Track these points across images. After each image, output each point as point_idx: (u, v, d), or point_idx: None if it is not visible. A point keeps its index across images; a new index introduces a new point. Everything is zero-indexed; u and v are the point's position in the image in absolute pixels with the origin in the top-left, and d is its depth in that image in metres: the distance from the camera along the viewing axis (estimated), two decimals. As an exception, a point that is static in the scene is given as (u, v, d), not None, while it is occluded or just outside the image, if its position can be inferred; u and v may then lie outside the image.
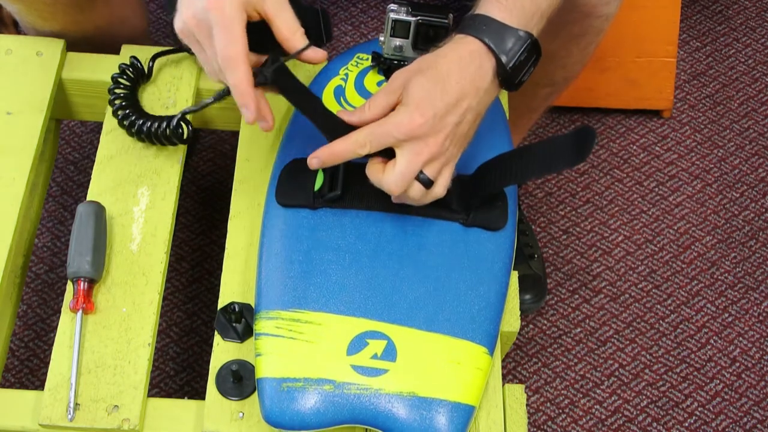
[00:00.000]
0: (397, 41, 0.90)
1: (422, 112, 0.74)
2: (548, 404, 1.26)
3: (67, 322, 0.85)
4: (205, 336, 1.28)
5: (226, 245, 0.89)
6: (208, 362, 0.84)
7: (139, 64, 0.97)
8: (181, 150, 0.95)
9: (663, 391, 1.28)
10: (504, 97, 0.99)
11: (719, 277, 1.38)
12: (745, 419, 1.27)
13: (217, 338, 0.84)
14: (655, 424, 1.26)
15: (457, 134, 0.77)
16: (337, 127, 0.78)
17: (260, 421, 0.79)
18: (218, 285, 0.88)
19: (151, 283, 0.87)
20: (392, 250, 0.84)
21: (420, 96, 0.75)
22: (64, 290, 0.87)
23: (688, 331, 1.33)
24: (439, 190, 0.79)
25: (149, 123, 0.93)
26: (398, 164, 0.76)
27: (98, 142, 0.96)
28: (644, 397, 1.28)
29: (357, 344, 0.80)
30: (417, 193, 0.78)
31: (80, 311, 0.84)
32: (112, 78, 0.96)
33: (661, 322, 1.34)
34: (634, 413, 1.26)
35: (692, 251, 1.40)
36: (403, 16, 0.88)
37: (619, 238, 1.40)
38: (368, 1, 1.61)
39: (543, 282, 1.32)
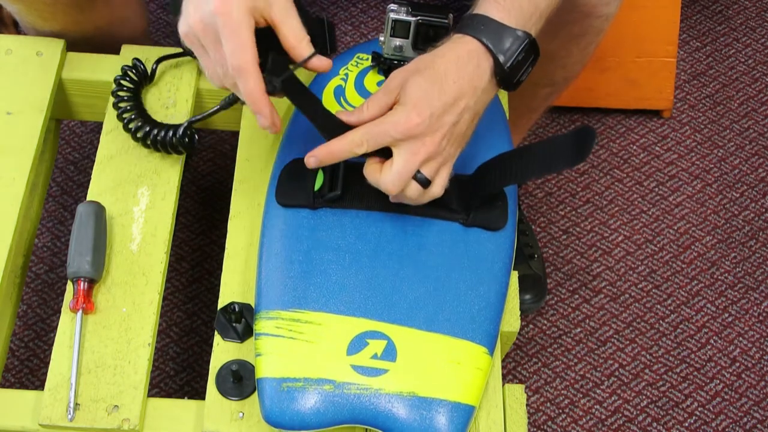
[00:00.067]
0: (397, 41, 0.90)
1: (419, 112, 0.74)
2: (548, 404, 1.26)
3: (67, 322, 0.85)
4: (205, 336, 1.28)
5: (226, 245, 0.89)
6: (208, 362, 0.84)
7: (142, 67, 0.97)
8: (181, 150, 0.95)
9: (663, 391, 1.28)
10: (504, 97, 0.99)
11: (719, 277, 1.38)
12: (745, 419, 1.27)
13: (217, 338, 0.84)
14: (655, 424, 1.26)
15: (454, 134, 0.77)
16: (336, 127, 0.78)
17: (260, 421, 0.79)
18: (218, 285, 0.88)
19: (151, 283, 0.87)
20: (392, 250, 0.84)
21: (417, 96, 0.75)
22: (64, 290, 0.87)
23: (688, 331, 1.33)
24: (437, 189, 0.79)
25: (155, 131, 0.92)
26: (395, 164, 0.76)
27: (98, 142, 0.96)
28: (644, 397, 1.28)
29: (357, 344, 0.80)
30: (414, 193, 0.78)
31: (80, 311, 0.84)
32: (115, 80, 0.96)
33: (661, 322, 1.34)
34: (634, 413, 1.26)
35: (692, 251, 1.40)
36: (403, 16, 0.88)
37: (619, 238, 1.40)
38: (368, 1, 1.61)
39: (543, 282, 1.32)
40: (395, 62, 0.92)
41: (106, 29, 1.06)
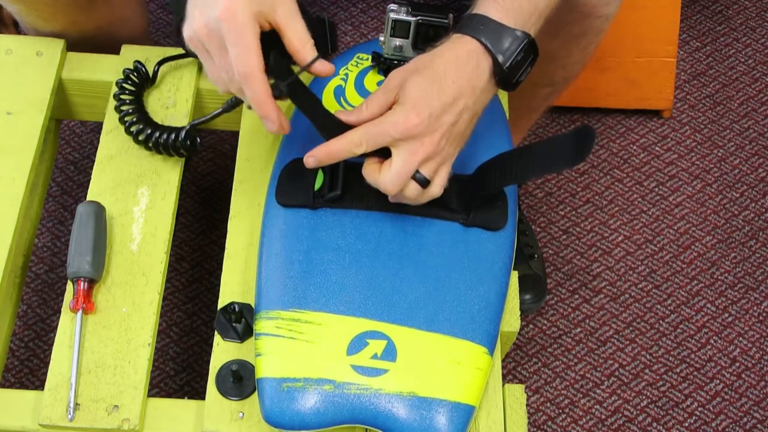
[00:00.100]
0: (397, 41, 0.90)
1: (418, 112, 0.74)
2: (548, 404, 1.26)
3: (67, 322, 0.85)
4: (205, 336, 1.28)
5: (226, 245, 0.89)
6: (208, 362, 0.84)
7: (143, 69, 0.97)
8: (181, 150, 0.95)
9: (663, 391, 1.28)
10: (504, 97, 0.99)
11: (719, 277, 1.38)
12: (745, 419, 1.27)
13: (217, 338, 0.84)
14: (655, 424, 1.26)
15: (453, 134, 0.77)
16: (335, 127, 0.78)
17: (260, 421, 0.79)
18: (218, 285, 0.88)
19: (151, 283, 0.87)
20: (392, 250, 0.84)
21: (416, 95, 0.75)
22: (64, 290, 0.87)
23: (688, 331, 1.33)
24: (436, 189, 0.79)
25: (156, 133, 0.92)
26: (394, 164, 0.76)
27: (98, 142, 0.96)
28: (644, 397, 1.28)
29: (357, 344, 0.80)
30: (413, 193, 0.78)
31: (80, 311, 0.84)
32: (117, 83, 0.96)
33: (661, 322, 1.34)
34: (634, 413, 1.26)
35: (692, 251, 1.40)
36: (403, 16, 0.88)
37: (619, 238, 1.40)
38: (368, 1, 1.61)
39: (543, 282, 1.32)
40: (395, 62, 0.92)
41: (106, 29, 1.06)
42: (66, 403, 0.80)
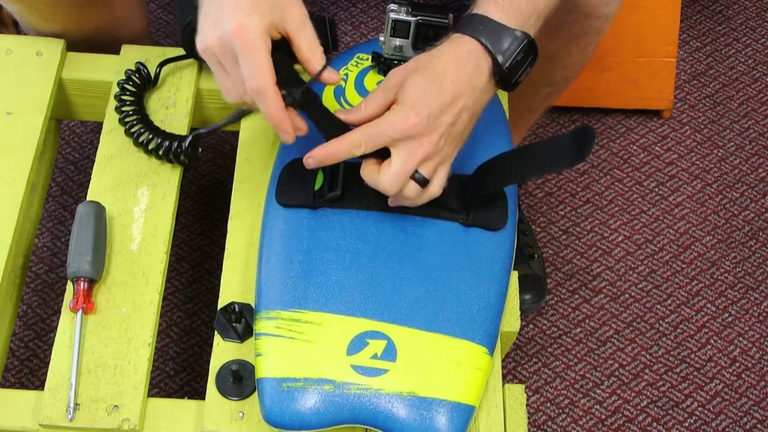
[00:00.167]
0: (397, 41, 0.90)
1: (417, 112, 0.74)
2: (548, 404, 1.26)
3: (67, 322, 0.85)
4: (205, 336, 1.28)
5: (226, 245, 0.89)
6: (208, 362, 0.84)
7: (145, 70, 0.97)
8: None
9: (663, 391, 1.28)
10: (504, 97, 0.99)
11: (719, 277, 1.38)
12: (745, 419, 1.27)
13: (217, 338, 0.84)
14: (655, 424, 1.26)
15: (452, 133, 0.77)
16: (335, 127, 0.78)
17: (260, 421, 0.79)
18: (218, 285, 0.88)
19: (151, 283, 0.87)
20: (392, 250, 0.84)
21: (416, 95, 0.75)
22: (64, 290, 0.87)
23: (688, 331, 1.33)
24: (435, 189, 0.79)
25: (158, 140, 0.92)
26: (393, 164, 0.76)
27: (98, 142, 0.96)
28: (644, 397, 1.28)
29: (357, 344, 0.80)
30: (412, 193, 0.78)
31: (80, 311, 0.84)
32: (119, 84, 0.96)
33: (661, 322, 1.34)
34: (634, 413, 1.26)
35: (692, 251, 1.40)
36: (403, 16, 0.88)
37: (619, 238, 1.40)
38: (368, 1, 1.61)
39: (543, 282, 1.32)
40: (395, 62, 0.92)
41: (106, 29, 1.06)
42: (66, 403, 0.80)
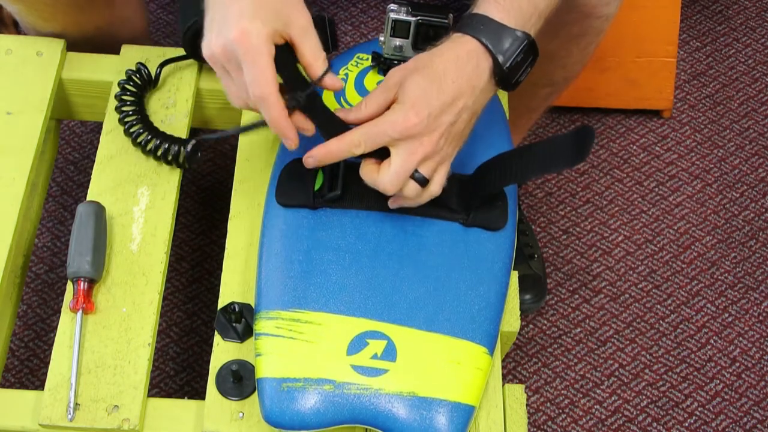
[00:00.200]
0: (397, 41, 0.90)
1: (417, 111, 0.74)
2: (548, 404, 1.26)
3: (67, 322, 0.85)
4: (205, 336, 1.28)
5: (226, 245, 0.89)
6: (208, 362, 0.84)
7: (146, 71, 0.97)
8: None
9: (663, 391, 1.28)
10: (504, 97, 0.99)
11: (719, 277, 1.38)
12: (745, 419, 1.27)
13: (217, 338, 0.84)
14: (655, 424, 1.26)
15: (452, 133, 0.77)
16: (336, 127, 0.78)
17: (260, 421, 0.79)
18: (218, 285, 0.88)
19: (151, 283, 0.87)
20: (392, 250, 0.84)
21: (416, 95, 0.75)
22: (64, 290, 0.87)
23: (688, 331, 1.33)
24: (435, 188, 0.79)
25: (157, 141, 0.92)
26: (393, 163, 0.76)
27: (98, 142, 0.96)
28: (644, 397, 1.28)
29: (357, 344, 0.80)
30: (412, 192, 0.78)
31: (80, 311, 0.84)
32: (119, 84, 0.96)
33: (661, 322, 1.34)
34: (634, 413, 1.26)
35: (692, 251, 1.40)
36: (403, 16, 0.88)
37: (619, 238, 1.40)
38: (368, 1, 1.61)
39: (543, 282, 1.32)
40: (395, 62, 0.92)
41: (106, 29, 1.06)
42: (66, 403, 0.80)
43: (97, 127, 1.22)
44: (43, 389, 0.81)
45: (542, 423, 1.25)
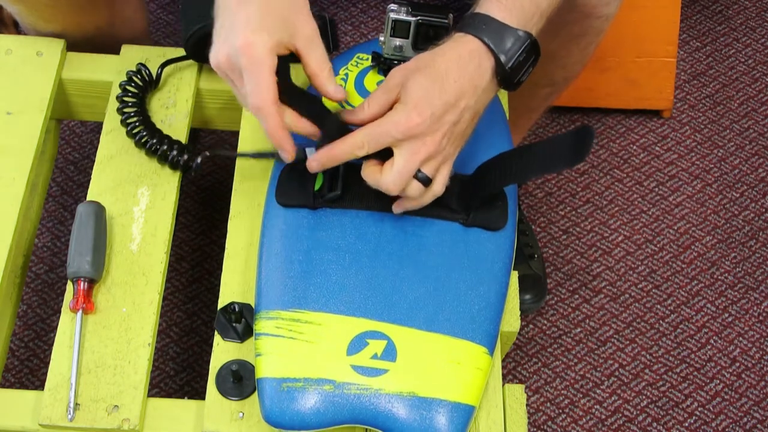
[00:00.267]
0: (397, 41, 0.90)
1: (420, 111, 0.74)
2: (548, 404, 1.26)
3: (67, 322, 0.85)
4: (205, 336, 1.28)
5: (226, 245, 0.89)
6: (208, 362, 0.84)
7: (147, 71, 0.97)
8: (181, 150, 0.95)
9: (663, 391, 1.28)
10: (504, 97, 0.99)
11: (719, 277, 1.38)
12: (745, 419, 1.27)
13: (217, 338, 0.84)
14: (655, 424, 1.26)
15: (454, 133, 0.77)
16: (338, 129, 0.78)
17: (260, 421, 0.79)
18: (218, 285, 0.88)
19: (151, 283, 0.87)
20: (392, 250, 0.84)
21: (418, 95, 0.75)
22: (64, 290, 0.87)
23: (688, 331, 1.33)
24: (438, 188, 0.79)
25: (162, 146, 0.92)
26: (396, 163, 0.76)
27: (98, 142, 0.96)
28: (644, 397, 1.28)
29: (357, 344, 0.80)
30: (415, 192, 0.78)
31: (80, 311, 0.84)
32: (120, 85, 0.96)
33: (661, 322, 1.34)
34: (634, 413, 1.26)
35: (692, 251, 1.40)
36: (403, 16, 0.88)
37: (619, 238, 1.40)
38: (368, 1, 1.61)
39: (543, 282, 1.32)
40: (395, 62, 0.92)
41: (106, 29, 1.06)
42: (66, 403, 0.80)
43: (97, 127, 1.22)
44: (43, 389, 0.81)
45: (542, 423, 1.25)
